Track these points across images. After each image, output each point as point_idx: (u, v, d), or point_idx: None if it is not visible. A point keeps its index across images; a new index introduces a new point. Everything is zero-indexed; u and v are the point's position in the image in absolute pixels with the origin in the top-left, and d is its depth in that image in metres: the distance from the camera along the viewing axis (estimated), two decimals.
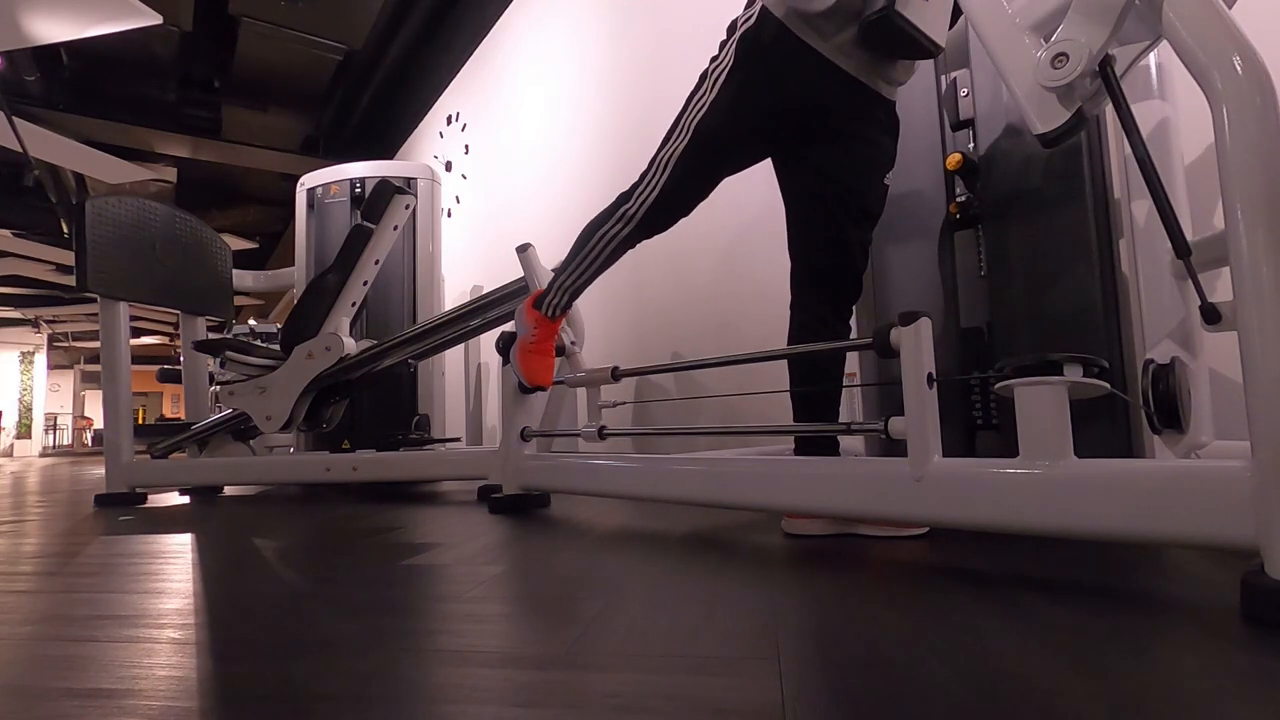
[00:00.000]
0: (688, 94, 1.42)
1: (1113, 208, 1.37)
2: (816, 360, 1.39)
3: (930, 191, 1.54)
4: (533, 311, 1.73)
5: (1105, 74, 0.96)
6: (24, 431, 16.31)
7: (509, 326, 3.52)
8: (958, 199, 1.50)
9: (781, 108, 1.34)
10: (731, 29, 1.37)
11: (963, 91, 1.50)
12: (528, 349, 1.75)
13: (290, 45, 5.97)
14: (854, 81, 1.31)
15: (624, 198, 1.50)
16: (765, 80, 1.32)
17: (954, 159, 1.46)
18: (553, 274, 1.68)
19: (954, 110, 1.50)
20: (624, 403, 1.69)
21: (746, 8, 1.36)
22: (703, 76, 1.40)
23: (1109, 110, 1.21)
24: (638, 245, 1.55)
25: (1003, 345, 1.43)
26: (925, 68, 1.56)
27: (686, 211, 1.50)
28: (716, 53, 1.39)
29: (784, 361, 1.43)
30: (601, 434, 1.79)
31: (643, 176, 1.47)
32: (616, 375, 1.79)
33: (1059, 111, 0.99)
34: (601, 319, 3.28)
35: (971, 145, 1.50)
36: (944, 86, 1.56)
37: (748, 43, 1.32)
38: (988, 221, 1.46)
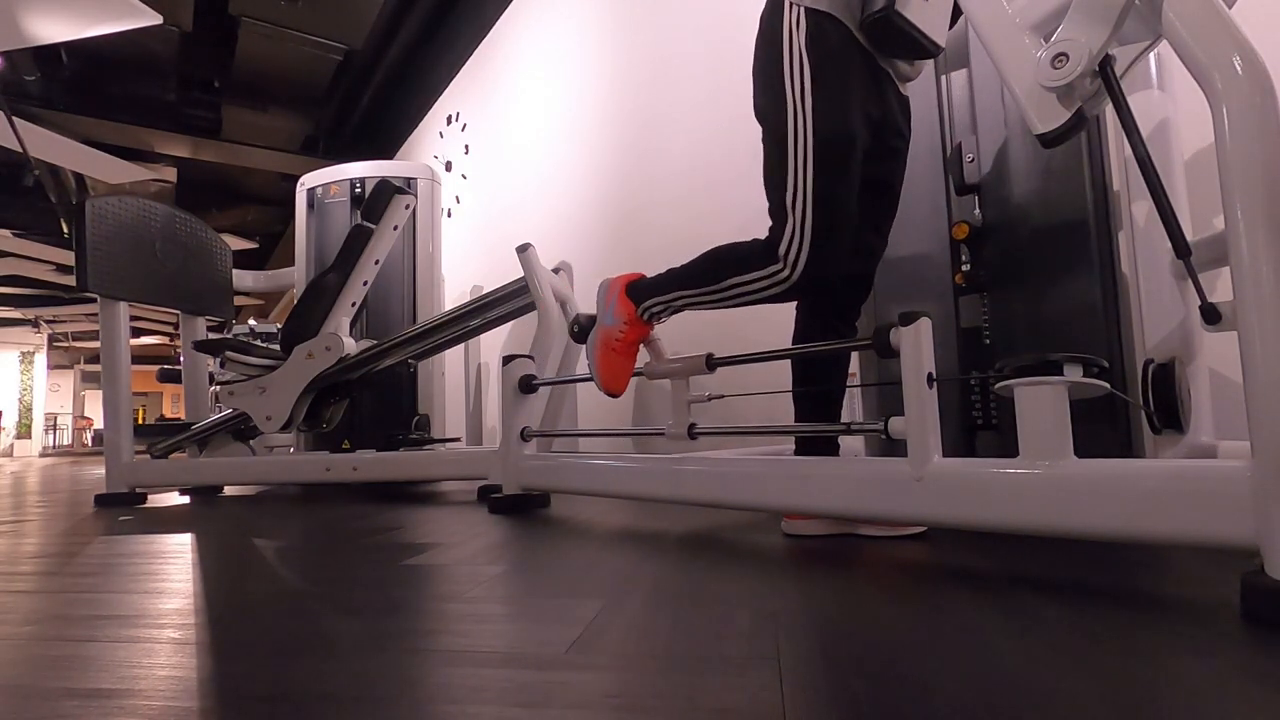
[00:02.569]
0: (774, 137, 1.27)
1: (1114, 222, 1.37)
2: (821, 360, 1.39)
3: (935, 256, 1.54)
4: (627, 302, 1.47)
5: (1105, 74, 0.96)
6: (24, 431, 16.31)
7: (518, 322, 3.49)
8: (964, 268, 1.49)
9: (869, 102, 1.27)
10: (774, 51, 1.28)
11: (968, 157, 1.49)
12: (612, 346, 1.48)
13: (290, 45, 5.97)
14: (890, 76, 1.32)
15: (767, 255, 1.26)
16: (851, 77, 1.25)
17: (960, 229, 1.46)
18: (664, 276, 1.44)
19: (959, 176, 1.49)
20: (722, 395, 1.52)
21: (781, 18, 1.27)
22: (778, 107, 1.26)
23: (1109, 110, 1.21)
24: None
25: (1002, 346, 1.43)
26: (926, 79, 1.55)
27: (843, 259, 1.27)
28: (781, 79, 1.26)
29: (783, 361, 1.43)
30: (693, 433, 1.51)
31: (779, 232, 1.25)
32: (711, 364, 1.48)
33: (1059, 111, 0.99)
34: None
35: (977, 211, 1.49)
36: (944, 87, 1.57)
37: (816, 47, 1.24)
38: (994, 288, 1.46)
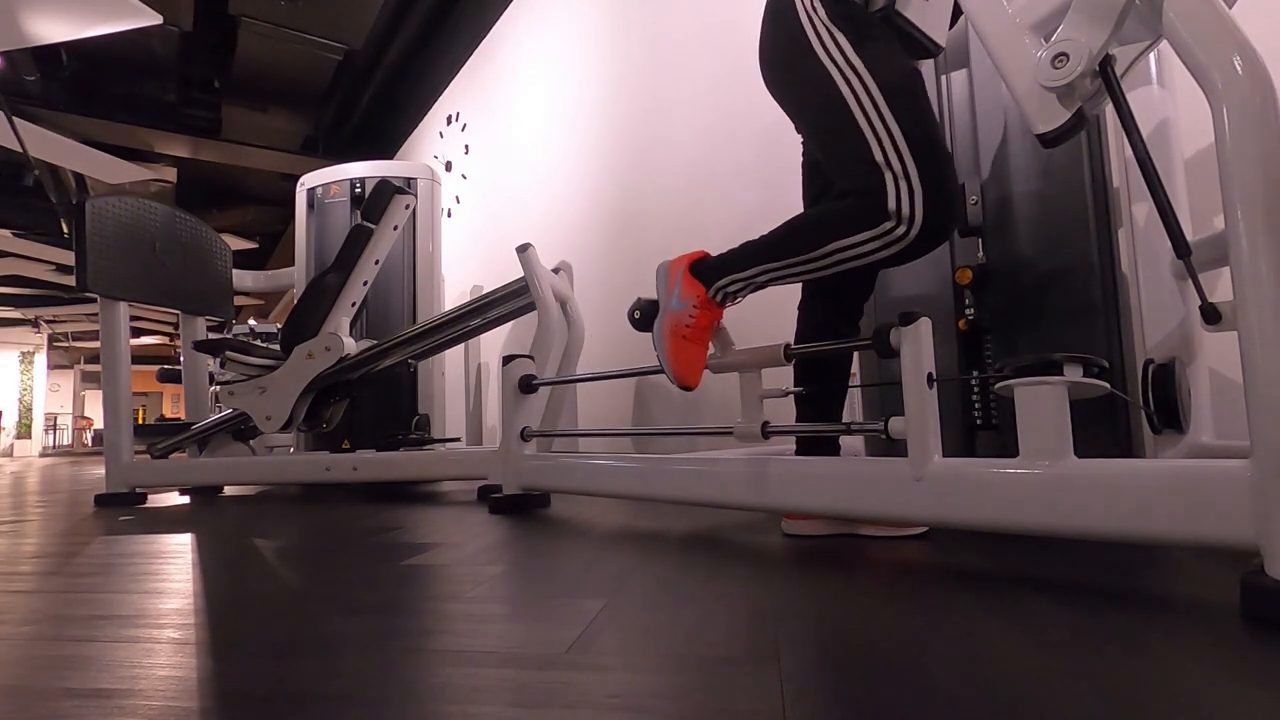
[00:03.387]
0: (828, 117, 1.22)
1: (1114, 222, 1.37)
2: (826, 360, 1.39)
3: (938, 298, 1.52)
4: (695, 285, 1.35)
5: (1105, 74, 0.96)
6: (24, 431, 16.31)
7: (518, 322, 3.47)
8: (967, 314, 1.47)
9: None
10: (796, 36, 1.25)
11: (971, 199, 1.48)
12: (682, 333, 1.35)
13: (290, 45, 5.97)
14: None
15: (873, 215, 1.16)
16: (884, 39, 1.23)
17: (964, 274, 1.44)
18: (738, 251, 1.34)
19: (963, 218, 1.48)
20: (800, 390, 1.42)
21: (794, 7, 1.26)
22: (822, 82, 1.21)
23: (1109, 110, 1.21)
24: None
25: (1003, 345, 1.43)
26: (926, 80, 1.55)
27: (958, 198, 1.20)
28: (815, 58, 1.22)
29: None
30: (766, 431, 1.36)
31: (880, 192, 1.15)
32: (789, 355, 1.35)
33: (1059, 111, 0.99)
34: (602, 316, 3.28)
35: (980, 254, 1.48)
36: (944, 87, 1.57)
37: (843, 19, 1.21)
38: (997, 332, 1.45)
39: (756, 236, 1.33)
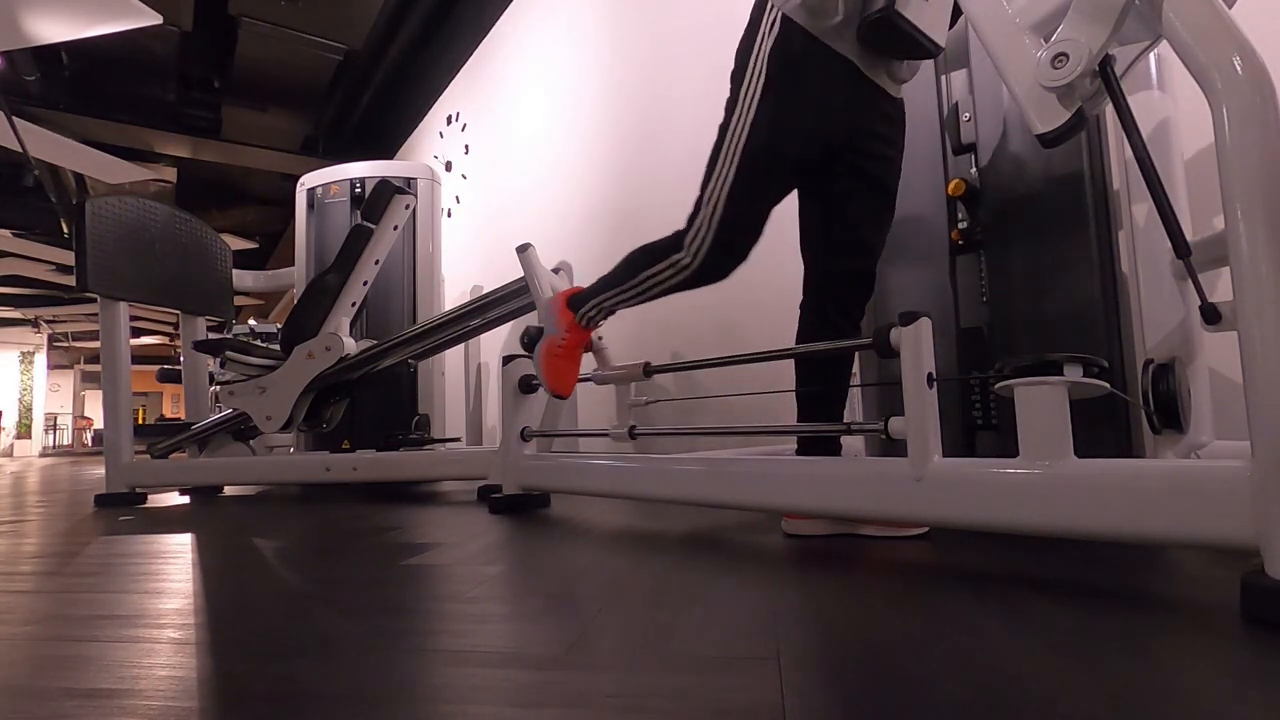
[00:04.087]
0: (719, 129, 1.32)
1: (1114, 216, 1.37)
2: (827, 360, 1.39)
3: (932, 215, 1.53)
4: (567, 313, 1.62)
5: (1105, 74, 0.96)
6: (24, 431, 16.31)
7: (518, 322, 3.49)
8: (960, 225, 1.50)
9: (824, 117, 1.28)
10: (747, 49, 1.30)
11: (964, 116, 1.49)
12: (555, 352, 1.64)
13: (290, 45, 5.97)
14: (875, 84, 1.31)
15: (674, 245, 1.36)
16: (805, 91, 1.26)
17: (956, 185, 1.46)
18: (594, 284, 1.57)
19: (955, 135, 1.50)
20: (658, 400, 1.62)
21: (761, 18, 1.30)
22: (732, 103, 1.31)
23: (1109, 110, 1.21)
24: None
25: (1003, 345, 1.43)
26: (926, 79, 1.56)
27: (744, 255, 1.34)
28: (741, 77, 1.30)
29: (783, 360, 1.43)
30: (633, 434, 1.69)
31: (691, 221, 1.34)
32: (649, 372, 1.68)
33: (1059, 111, 0.99)
34: None
35: (974, 170, 1.49)
36: (944, 86, 1.57)
37: (778, 56, 1.26)
38: (990, 245, 1.46)
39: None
